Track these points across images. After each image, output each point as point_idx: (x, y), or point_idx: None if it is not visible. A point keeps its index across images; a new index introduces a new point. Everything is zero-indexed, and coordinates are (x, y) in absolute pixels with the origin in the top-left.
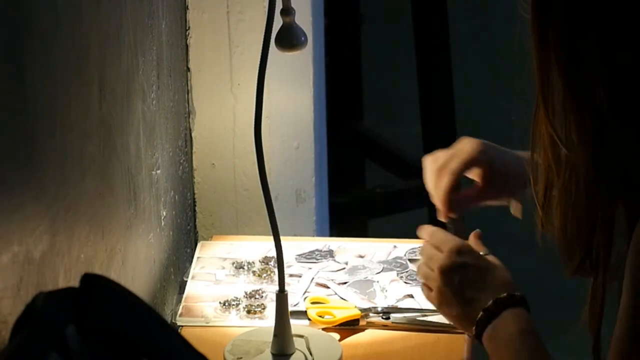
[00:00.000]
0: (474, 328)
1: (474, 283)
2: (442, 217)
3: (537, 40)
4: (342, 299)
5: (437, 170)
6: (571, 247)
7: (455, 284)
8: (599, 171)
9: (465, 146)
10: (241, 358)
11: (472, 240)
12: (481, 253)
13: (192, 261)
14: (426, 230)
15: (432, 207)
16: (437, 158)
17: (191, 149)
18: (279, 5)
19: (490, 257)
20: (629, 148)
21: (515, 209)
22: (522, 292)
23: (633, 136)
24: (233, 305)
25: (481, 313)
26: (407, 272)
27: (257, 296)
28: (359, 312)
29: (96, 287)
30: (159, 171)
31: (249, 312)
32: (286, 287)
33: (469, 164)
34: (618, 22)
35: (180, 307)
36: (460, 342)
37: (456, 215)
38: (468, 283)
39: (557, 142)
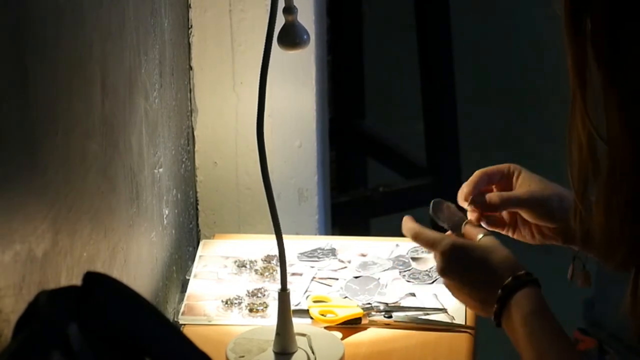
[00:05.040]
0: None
1: (477, 278)
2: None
3: (573, 37)
4: (346, 297)
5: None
6: (613, 241)
7: (459, 284)
8: None
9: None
10: (243, 356)
11: (469, 228)
12: (480, 236)
13: (194, 260)
14: (409, 231)
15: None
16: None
17: (193, 147)
18: (281, 4)
19: (487, 239)
20: None
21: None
22: (525, 268)
23: None
24: (235, 303)
25: (495, 306)
26: (409, 270)
27: (259, 295)
28: (361, 310)
29: (98, 285)
30: (161, 170)
31: (251, 310)
32: (288, 286)
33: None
34: None
35: (183, 305)
36: (462, 340)
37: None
38: (470, 282)
39: (595, 138)
